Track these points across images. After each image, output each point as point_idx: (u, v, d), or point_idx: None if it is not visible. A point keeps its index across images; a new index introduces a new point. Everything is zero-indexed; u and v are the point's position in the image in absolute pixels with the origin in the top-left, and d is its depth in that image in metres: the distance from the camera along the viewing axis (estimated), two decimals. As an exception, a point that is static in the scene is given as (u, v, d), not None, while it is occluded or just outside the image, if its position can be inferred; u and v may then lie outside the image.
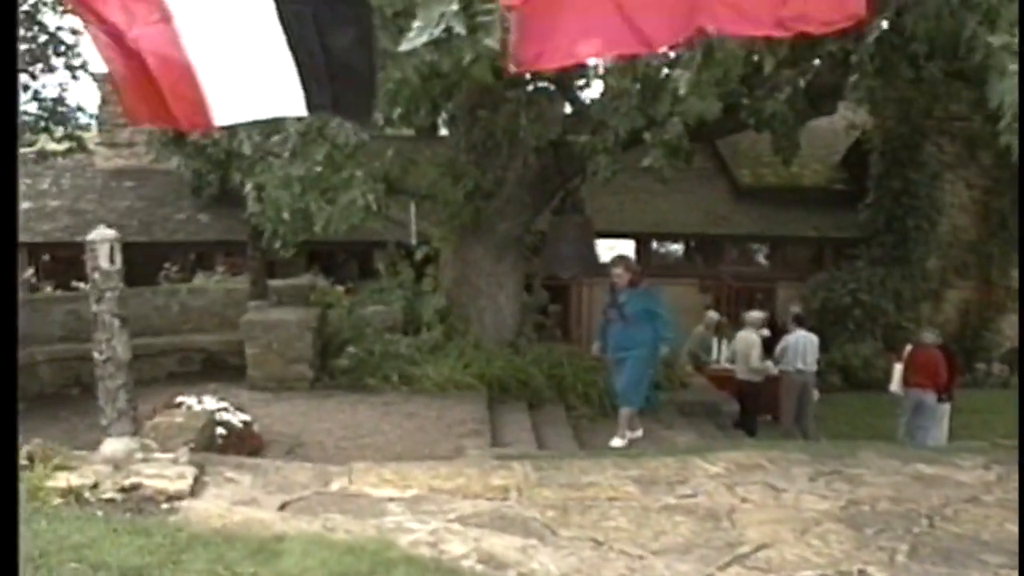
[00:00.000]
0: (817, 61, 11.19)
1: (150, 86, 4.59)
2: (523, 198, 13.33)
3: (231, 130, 10.27)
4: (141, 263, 17.66)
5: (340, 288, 15.31)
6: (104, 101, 19.04)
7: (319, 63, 4.62)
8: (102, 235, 5.90)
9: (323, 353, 12.62)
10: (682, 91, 6.59)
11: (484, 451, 9.46)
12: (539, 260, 14.71)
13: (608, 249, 20.54)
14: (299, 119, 9.22)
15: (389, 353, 12.51)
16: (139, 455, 5.93)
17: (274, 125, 9.77)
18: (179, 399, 9.01)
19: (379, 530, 5.03)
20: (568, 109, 14.20)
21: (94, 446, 6.15)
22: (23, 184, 19.24)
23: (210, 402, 9.01)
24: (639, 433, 10.86)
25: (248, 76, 4.63)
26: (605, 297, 11.01)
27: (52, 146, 16.28)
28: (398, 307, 14.04)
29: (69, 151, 15.85)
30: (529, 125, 12.36)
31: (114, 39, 4.56)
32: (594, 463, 6.78)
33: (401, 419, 10.74)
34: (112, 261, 5.91)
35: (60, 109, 15.11)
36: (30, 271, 15.18)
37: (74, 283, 16.65)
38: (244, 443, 8.86)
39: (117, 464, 5.72)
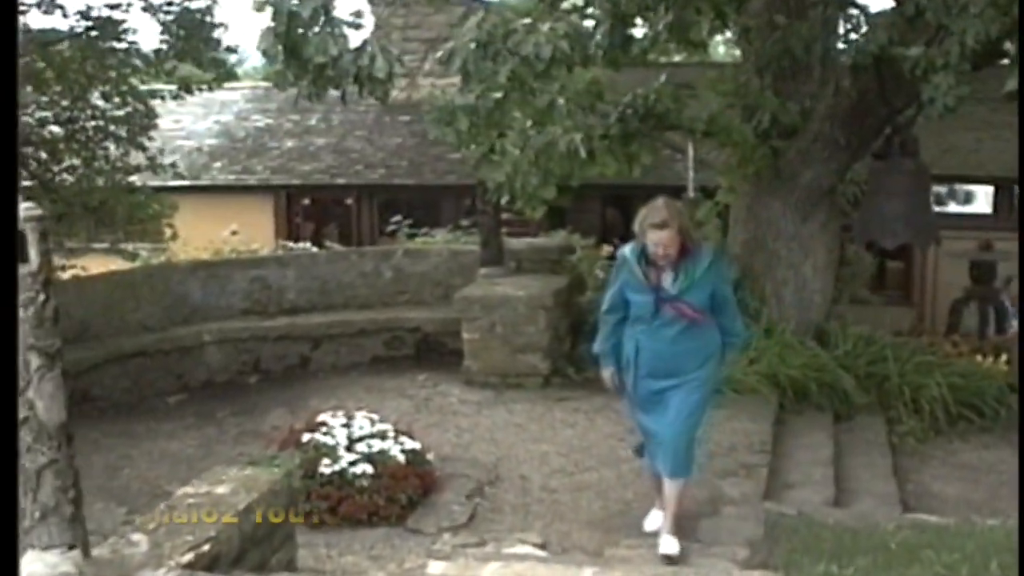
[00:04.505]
0: None
1: None
2: (835, 137, 9.68)
3: (361, 46, 7.25)
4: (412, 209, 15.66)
5: (606, 248, 12.45)
6: (376, 25, 17.06)
7: None
8: (5, 214, 3.42)
9: (573, 335, 9.97)
10: None
11: (750, 509, 6.54)
12: (856, 220, 11.04)
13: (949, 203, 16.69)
14: (479, 25, 6.35)
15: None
16: (72, 585, 3.49)
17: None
18: (320, 417, 6.61)
19: None
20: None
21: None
22: (290, 121, 17.76)
23: (361, 423, 6.55)
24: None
25: None
26: (628, 276, 5.55)
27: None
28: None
29: (215, 80, 13.70)
30: (846, 36, 8.93)
31: None
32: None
33: (649, 440, 7.96)
34: (24, 259, 3.43)
35: (212, 33, 12.78)
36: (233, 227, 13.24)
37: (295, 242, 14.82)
38: (402, 484, 6.38)
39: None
